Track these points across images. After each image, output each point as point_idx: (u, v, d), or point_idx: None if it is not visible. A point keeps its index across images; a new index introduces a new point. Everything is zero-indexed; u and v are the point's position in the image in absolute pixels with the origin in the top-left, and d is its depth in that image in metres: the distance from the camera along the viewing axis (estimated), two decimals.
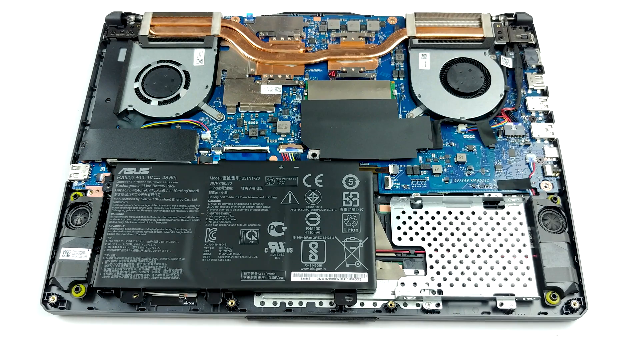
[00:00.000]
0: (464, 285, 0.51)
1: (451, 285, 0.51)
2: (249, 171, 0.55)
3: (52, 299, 0.51)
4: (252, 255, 0.50)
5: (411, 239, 0.53)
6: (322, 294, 0.51)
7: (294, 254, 0.51)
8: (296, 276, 0.50)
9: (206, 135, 0.58)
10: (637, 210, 0.57)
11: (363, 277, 0.49)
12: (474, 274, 0.51)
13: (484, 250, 0.52)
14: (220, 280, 0.50)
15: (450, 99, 0.59)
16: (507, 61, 0.62)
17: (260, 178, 0.54)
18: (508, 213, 0.54)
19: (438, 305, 0.50)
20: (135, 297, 0.50)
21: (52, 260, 0.52)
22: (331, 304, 0.51)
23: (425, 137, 0.57)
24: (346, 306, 0.50)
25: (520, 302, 0.51)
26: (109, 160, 0.56)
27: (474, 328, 0.52)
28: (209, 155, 0.57)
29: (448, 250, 0.52)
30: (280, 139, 0.58)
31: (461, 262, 0.51)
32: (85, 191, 0.56)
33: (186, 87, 0.60)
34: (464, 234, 0.53)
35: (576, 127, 0.61)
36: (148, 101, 0.59)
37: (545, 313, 0.50)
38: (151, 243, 0.51)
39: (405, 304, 0.51)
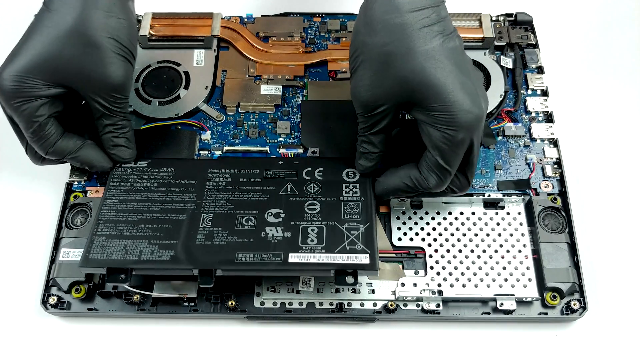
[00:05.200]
0: (464, 285, 0.51)
1: (451, 285, 0.51)
2: (247, 166, 0.54)
3: (52, 300, 0.51)
4: (249, 238, 0.49)
5: (411, 239, 0.53)
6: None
7: (292, 238, 0.49)
8: (294, 258, 0.48)
9: (206, 136, 0.58)
10: (637, 211, 0.57)
11: (364, 259, 0.47)
12: (474, 274, 0.51)
13: (484, 251, 0.52)
14: (214, 261, 0.47)
15: None
16: (507, 61, 0.62)
17: (260, 171, 0.54)
18: (508, 213, 0.54)
19: (438, 305, 0.50)
20: (122, 277, 0.47)
21: (52, 261, 0.52)
22: (331, 304, 0.51)
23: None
24: (348, 288, 0.49)
25: (521, 302, 0.51)
26: None
27: (474, 329, 0.52)
28: (209, 155, 0.57)
29: (448, 251, 0.52)
30: (280, 139, 0.58)
31: (461, 262, 0.51)
32: (85, 192, 0.56)
33: (186, 87, 0.60)
34: (464, 235, 0.53)
35: (576, 127, 0.61)
36: (148, 102, 0.59)
37: (546, 313, 0.50)
38: (144, 227, 0.50)
39: (405, 305, 0.51)
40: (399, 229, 0.53)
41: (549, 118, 0.59)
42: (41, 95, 0.47)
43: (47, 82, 0.47)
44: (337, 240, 0.48)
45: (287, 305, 0.51)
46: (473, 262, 0.51)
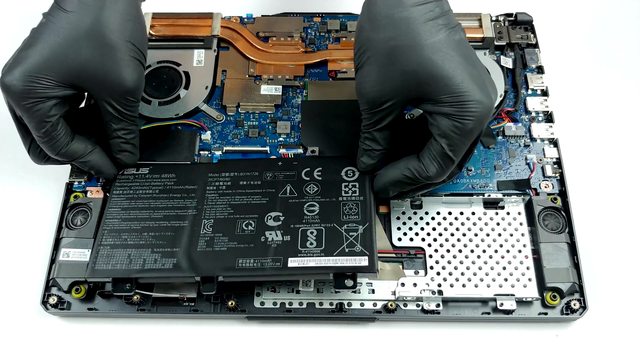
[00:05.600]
0: (464, 285, 0.51)
1: (451, 285, 0.51)
2: (247, 168, 0.54)
3: (52, 300, 0.51)
4: (249, 244, 0.49)
5: (411, 239, 0.53)
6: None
7: (291, 241, 0.49)
8: (293, 262, 0.48)
9: (206, 136, 0.58)
10: (637, 211, 0.57)
11: (363, 261, 0.47)
12: (474, 274, 0.51)
13: (484, 251, 0.52)
14: (215, 268, 0.48)
15: None
16: (507, 61, 0.62)
17: (259, 173, 0.54)
18: (508, 213, 0.54)
19: (438, 305, 0.50)
20: (127, 287, 0.48)
21: (52, 261, 0.52)
22: (331, 304, 0.51)
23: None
24: (348, 289, 0.48)
25: (521, 302, 0.51)
26: None
27: (474, 329, 0.52)
28: (209, 155, 0.57)
29: (448, 251, 0.52)
30: (280, 139, 0.58)
31: (461, 262, 0.51)
32: (85, 192, 0.56)
33: (186, 87, 0.60)
34: (464, 235, 0.53)
35: (576, 127, 0.61)
36: (148, 102, 0.59)
37: (546, 313, 0.50)
38: (146, 235, 0.50)
39: (405, 305, 0.51)
40: (399, 229, 0.53)
41: (549, 118, 0.59)
42: (54, 95, 0.47)
43: (60, 83, 0.47)
44: (336, 242, 0.48)
45: (287, 305, 0.51)
46: (473, 262, 0.51)
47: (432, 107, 0.45)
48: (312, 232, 0.49)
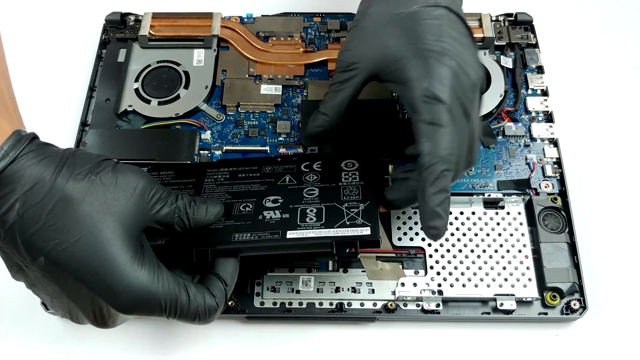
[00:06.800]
0: (464, 285, 0.51)
1: (451, 285, 0.51)
2: (246, 164, 0.54)
3: None
4: (246, 221, 0.48)
5: (411, 239, 0.53)
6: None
7: (290, 218, 0.48)
8: (292, 234, 0.46)
9: (206, 136, 0.58)
10: (637, 210, 0.57)
11: (365, 231, 0.45)
12: (474, 274, 0.51)
13: (484, 251, 0.52)
14: (210, 242, 0.46)
15: None
16: (507, 61, 0.62)
17: (258, 167, 0.53)
18: (508, 213, 0.54)
19: (438, 305, 0.50)
20: None
21: None
22: (331, 304, 0.51)
23: None
24: (350, 257, 0.46)
25: (521, 302, 0.51)
26: None
27: (474, 328, 0.52)
28: (209, 155, 0.57)
29: (448, 251, 0.52)
30: (280, 139, 0.58)
31: (461, 262, 0.51)
32: None
33: (186, 87, 0.60)
34: (464, 235, 0.53)
35: (576, 127, 0.61)
36: (148, 101, 0.59)
37: (546, 313, 0.50)
38: None
39: (405, 305, 0.51)
40: (399, 229, 0.53)
41: (549, 118, 0.59)
42: None
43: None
44: (337, 217, 0.47)
45: (287, 305, 0.51)
46: (473, 262, 0.51)
47: (394, 86, 0.48)
48: (311, 210, 0.48)
